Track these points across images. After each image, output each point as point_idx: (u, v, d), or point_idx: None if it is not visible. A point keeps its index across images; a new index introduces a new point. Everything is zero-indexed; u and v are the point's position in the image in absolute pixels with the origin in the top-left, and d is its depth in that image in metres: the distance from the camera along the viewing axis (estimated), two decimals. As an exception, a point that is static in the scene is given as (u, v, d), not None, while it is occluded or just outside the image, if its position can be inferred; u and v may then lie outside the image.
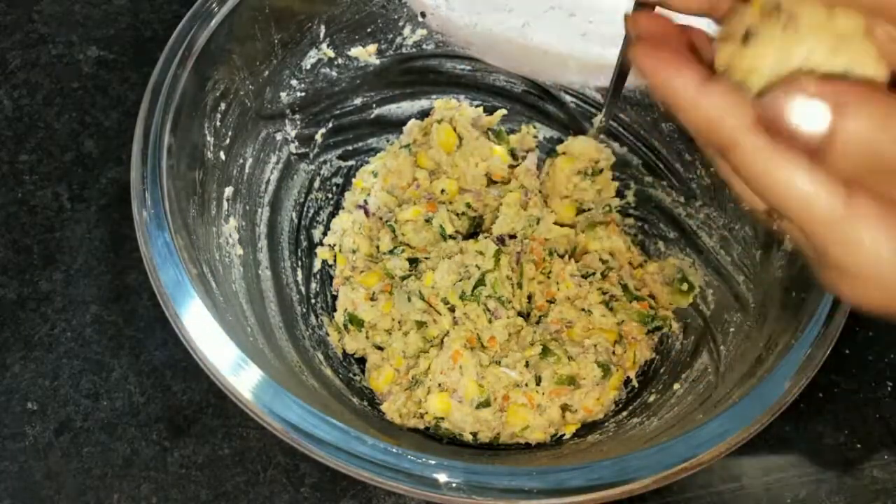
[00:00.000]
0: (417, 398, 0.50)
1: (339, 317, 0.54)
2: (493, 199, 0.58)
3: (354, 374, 0.53)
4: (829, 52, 0.23)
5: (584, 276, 0.54)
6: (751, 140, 0.24)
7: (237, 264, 0.48)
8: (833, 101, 0.22)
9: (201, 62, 0.43)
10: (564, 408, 0.50)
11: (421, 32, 0.55)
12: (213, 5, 0.44)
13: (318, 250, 0.58)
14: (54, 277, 0.57)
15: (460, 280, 0.52)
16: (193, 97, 0.43)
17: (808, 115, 0.23)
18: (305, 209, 0.57)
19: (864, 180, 0.23)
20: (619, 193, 0.58)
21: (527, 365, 0.51)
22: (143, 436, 0.52)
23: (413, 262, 0.55)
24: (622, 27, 0.31)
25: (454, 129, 0.57)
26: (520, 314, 0.53)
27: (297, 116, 0.54)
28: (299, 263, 0.56)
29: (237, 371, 0.36)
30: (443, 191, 0.57)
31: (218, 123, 0.46)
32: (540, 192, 0.58)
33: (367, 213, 0.58)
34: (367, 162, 0.60)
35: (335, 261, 0.57)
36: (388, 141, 0.61)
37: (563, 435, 0.50)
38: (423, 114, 0.60)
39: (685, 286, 0.54)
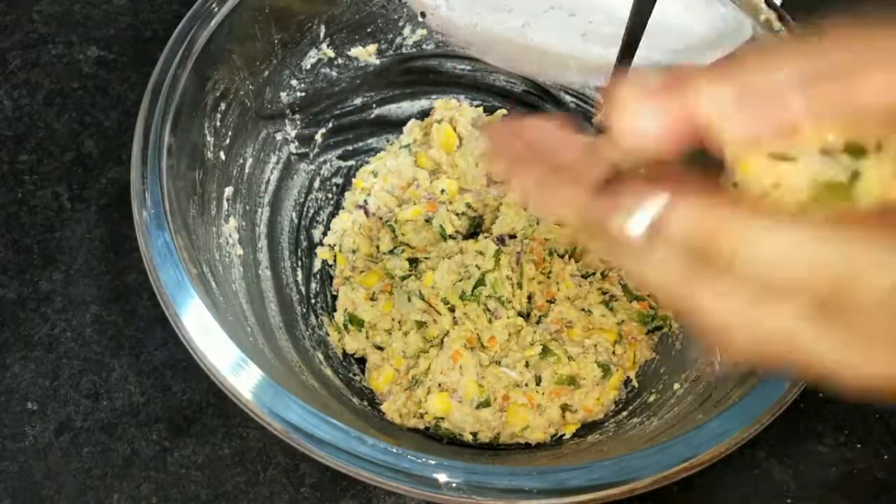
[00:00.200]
0: (417, 398, 0.50)
1: (339, 317, 0.54)
2: (493, 199, 0.58)
3: (354, 374, 0.53)
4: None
5: (584, 276, 0.54)
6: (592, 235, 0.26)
7: (237, 264, 0.48)
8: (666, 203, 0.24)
9: (201, 62, 0.43)
10: (564, 408, 0.50)
11: (421, 32, 0.55)
12: (213, 5, 0.44)
13: (318, 250, 0.58)
14: (54, 277, 0.57)
15: (460, 280, 0.52)
16: (193, 97, 0.43)
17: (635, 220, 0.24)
18: (305, 209, 0.57)
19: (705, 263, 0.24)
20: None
21: (527, 365, 0.51)
22: (143, 436, 0.52)
23: (413, 262, 0.55)
24: (622, 27, 0.31)
25: (454, 129, 0.57)
26: (520, 314, 0.53)
27: (297, 116, 0.54)
28: (299, 263, 0.56)
29: (237, 371, 0.36)
30: (443, 191, 0.57)
31: (218, 123, 0.46)
32: (540, 192, 0.58)
33: (367, 213, 0.58)
34: (367, 162, 0.60)
35: (335, 261, 0.57)
36: (388, 141, 0.61)
37: (563, 435, 0.50)
38: (423, 114, 0.60)
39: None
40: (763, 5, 0.44)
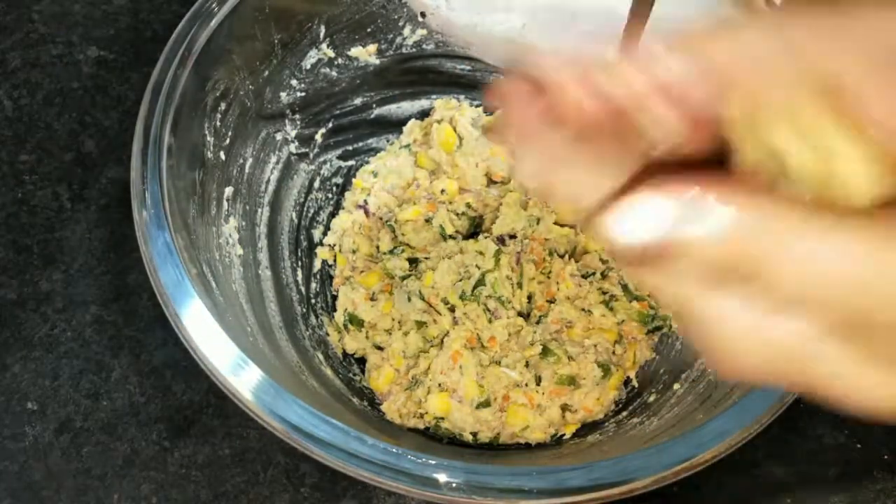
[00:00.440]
0: (417, 398, 0.50)
1: (339, 317, 0.54)
2: (493, 199, 0.58)
3: (354, 374, 0.53)
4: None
5: (584, 276, 0.54)
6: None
7: (237, 264, 0.48)
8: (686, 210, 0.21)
9: (201, 62, 0.43)
10: (564, 408, 0.50)
11: (421, 32, 0.55)
12: (213, 5, 0.44)
13: (318, 250, 0.58)
14: (54, 277, 0.57)
15: (460, 280, 0.52)
16: (193, 97, 0.43)
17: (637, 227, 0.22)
18: (305, 209, 0.57)
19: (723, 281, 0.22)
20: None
21: (527, 365, 0.51)
22: (143, 436, 0.52)
23: (413, 262, 0.55)
24: (621, 27, 0.31)
25: (454, 129, 0.57)
26: (520, 314, 0.53)
27: (297, 116, 0.54)
28: (299, 263, 0.56)
29: (237, 371, 0.36)
30: (443, 191, 0.57)
31: (218, 123, 0.46)
32: (540, 192, 0.58)
33: (367, 213, 0.58)
34: (367, 162, 0.60)
35: (335, 261, 0.57)
36: (388, 141, 0.61)
37: (563, 435, 0.50)
38: (423, 114, 0.60)
39: (685, 286, 0.53)
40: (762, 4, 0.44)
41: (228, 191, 0.48)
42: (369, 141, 0.60)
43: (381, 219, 0.58)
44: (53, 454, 0.51)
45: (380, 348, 0.54)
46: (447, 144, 0.57)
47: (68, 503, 0.50)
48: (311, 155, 0.57)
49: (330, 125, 0.57)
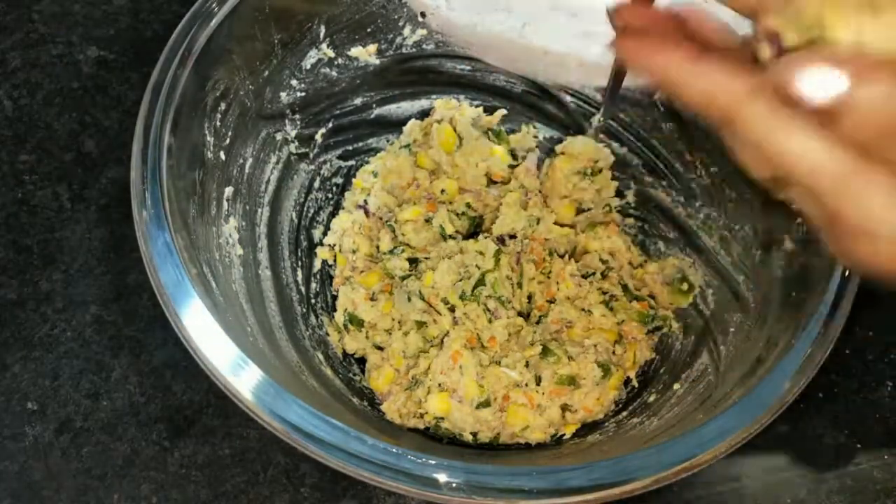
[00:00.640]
0: (417, 398, 0.50)
1: (339, 317, 0.54)
2: (493, 199, 0.58)
3: (354, 374, 0.53)
4: None
5: (584, 276, 0.54)
6: (750, 109, 0.24)
7: (237, 264, 0.48)
8: (852, 72, 0.23)
9: (201, 62, 0.43)
10: (564, 408, 0.50)
11: (421, 32, 0.55)
12: (213, 5, 0.44)
13: (318, 250, 0.58)
14: (54, 277, 0.57)
15: (460, 280, 0.52)
16: (193, 97, 0.43)
17: (821, 82, 0.23)
18: (305, 209, 0.57)
19: (876, 148, 0.23)
20: (619, 193, 0.58)
21: (527, 365, 0.51)
22: (143, 436, 0.52)
23: (413, 262, 0.55)
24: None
25: (454, 129, 0.57)
26: (520, 314, 0.53)
27: (297, 116, 0.54)
28: (299, 263, 0.56)
29: (237, 371, 0.36)
30: (443, 191, 0.57)
31: (218, 123, 0.46)
32: (540, 192, 0.58)
33: (367, 213, 0.58)
34: (367, 162, 0.60)
35: (335, 261, 0.57)
36: (388, 141, 0.61)
37: (563, 435, 0.50)
38: (423, 114, 0.60)
39: (685, 286, 0.54)
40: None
41: (228, 191, 0.48)
42: (369, 141, 0.60)
43: (381, 219, 0.58)
44: (53, 454, 0.51)
45: (380, 348, 0.54)
46: (447, 144, 0.57)
47: (68, 503, 0.50)
48: (311, 155, 0.57)
49: (330, 125, 0.57)
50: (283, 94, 0.52)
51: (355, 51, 0.54)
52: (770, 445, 0.52)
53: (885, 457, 0.53)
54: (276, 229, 0.54)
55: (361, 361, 0.54)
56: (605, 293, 0.54)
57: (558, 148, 0.58)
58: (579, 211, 0.58)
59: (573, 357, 0.51)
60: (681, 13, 0.29)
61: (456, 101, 0.59)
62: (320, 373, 0.50)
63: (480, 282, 0.52)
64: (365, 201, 0.59)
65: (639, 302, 0.54)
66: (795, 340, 0.38)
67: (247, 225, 0.50)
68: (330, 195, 0.59)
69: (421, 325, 0.52)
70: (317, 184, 0.58)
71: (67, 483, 0.51)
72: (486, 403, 0.49)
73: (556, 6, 0.53)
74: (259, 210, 0.53)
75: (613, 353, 0.52)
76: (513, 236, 0.56)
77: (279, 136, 0.54)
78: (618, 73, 0.43)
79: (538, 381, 0.50)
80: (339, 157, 0.59)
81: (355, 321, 0.54)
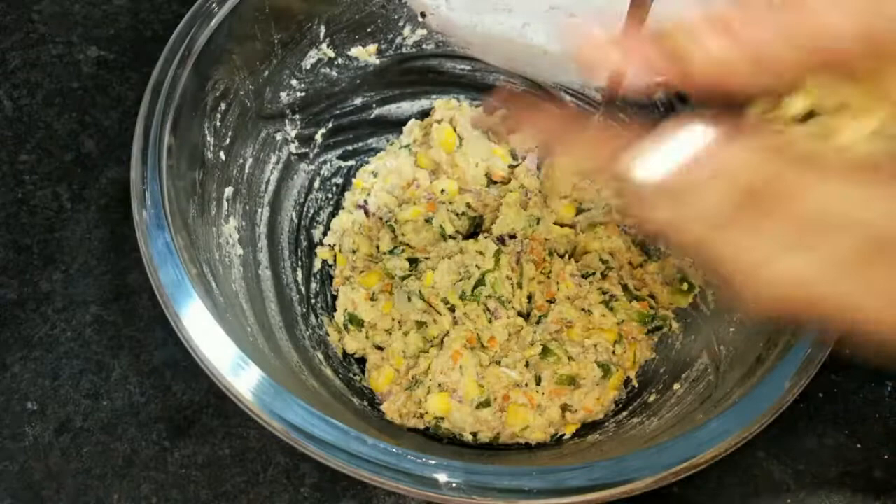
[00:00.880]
0: (417, 398, 0.50)
1: (339, 317, 0.54)
2: (493, 199, 0.58)
3: (354, 374, 0.53)
4: None
5: (584, 276, 0.54)
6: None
7: (237, 264, 0.48)
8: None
9: (201, 62, 0.43)
10: (564, 408, 0.50)
11: (421, 32, 0.55)
12: (213, 5, 0.44)
13: (318, 250, 0.58)
14: (54, 277, 0.57)
15: (460, 280, 0.52)
16: (193, 97, 0.43)
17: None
18: (305, 209, 0.57)
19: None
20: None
21: (527, 365, 0.51)
22: (143, 436, 0.52)
23: (413, 262, 0.55)
24: (621, 27, 0.31)
25: (454, 129, 0.57)
26: (520, 314, 0.53)
27: (297, 116, 0.54)
28: (299, 263, 0.56)
29: (237, 371, 0.36)
30: (443, 191, 0.57)
31: (218, 123, 0.46)
32: (540, 192, 0.58)
33: (367, 213, 0.58)
34: (367, 162, 0.60)
35: (335, 261, 0.57)
36: (388, 141, 0.61)
37: (563, 435, 0.50)
38: (423, 114, 0.60)
39: (685, 286, 0.54)
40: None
41: (228, 191, 0.48)
42: (369, 141, 0.60)
43: (381, 219, 0.58)
44: (53, 454, 0.51)
45: (380, 348, 0.54)
46: (447, 144, 0.57)
47: (68, 503, 0.50)
48: (311, 155, 0.57)
49: (330, 125, 0.57)
50: (283, 94, 0.52)
51: (355, 51, 0.54)
52: (770, 445, 0.52)
53: (885, 457, 0.53)
54: (276, 229, 0.54)
55: (361, 361, 0.54)
56: (605, 293, 0.54)
57: (558, 148, 0.58)
58: (579, 211, 0.58)
59: (573, 357, 0.51)
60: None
61: (456, 101, 0.59)
62: (320, 373, 0.50)
63: (480, 282, 0.52)
64: (365, 201, 0.59)
65: (639, 302, 0.54)
66: (795, 340, 0.38)
67: (247, 225, 0.50)
68: (330, 195, 0.59)
69: (421, 325, 0.52)
70: (317, 184, 0.58)
71: (67, 483, 0.51)
72: (486, 403, 0.49)
73: (555, 6, 0.53)
74: (259, 210, 0.53)
75: (613, 353, 0.52)
76: (513, 236, 0.56)
77: (279, 136, 0.54)
78: (616, 74, 0.43)
79: (538, 381, 0.50)
80: (339, 157, 0.59)
81: (355, 321, 0.54)
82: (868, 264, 0.22)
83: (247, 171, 0.51)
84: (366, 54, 0.55)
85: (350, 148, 0.60)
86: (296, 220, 0.57)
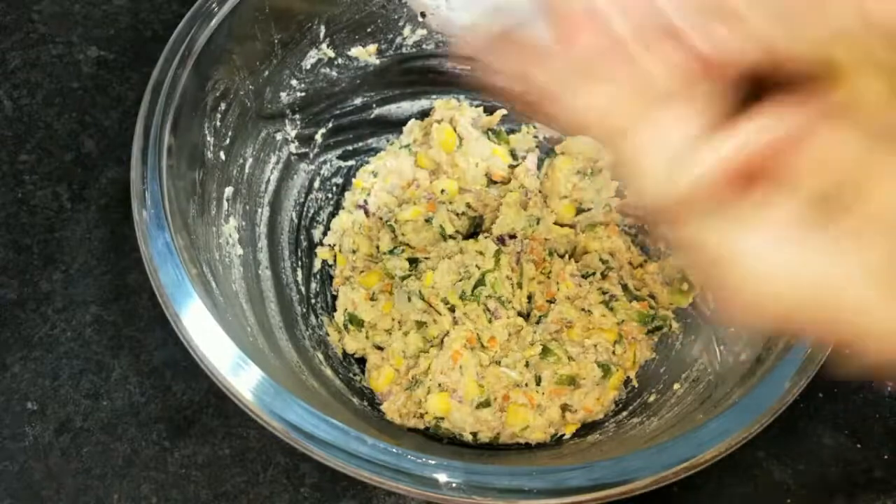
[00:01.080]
0: (417, 398, 0.50)
1: (339, 317, 0.54)
2: (493, 199, 0.58)
3: (354, 374, 0.53)
4: None
5: (584, 276, 0.54)
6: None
7: (237, 264, 0.48)
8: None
9: (201, 62, 0.43)
10: (564, 408, 0.50)
11: (421, 32, 0.55)
12: (213, 5, 0.44)
13: (318, 250, 0.58)
14: (54, 277, 0.57)
15: (460, 280, 0.52)
16: (193, 97, 0.43)
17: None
18: (305, 209, 0.57)
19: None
20: (619, 193, 0.58)
21: (527, 365, 0.51)
22: (143, 436, 0.52)
23: (413, 262, 0.55)
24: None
25: (454, 129, 0.57)
26: (520, 314, 0.53)
27: (297, 116, 0.54)
28: (299, 263, 0.56)
29: (237, 371, 0.36)
30: (443, 191, 0.57)
31: (218, 123, 0.46)
32: (540, 192, 0.58)
33: (367, 213, 0.58)
34: (367, 162, 0.60)
35: (335, 261, 0.57)
36: (388, 141, 0.61)
37: (563, 435, 0.50)
38: (423, 114, 0.60)
39: (685, 286, 0.54)
40: None
41: (228, 191, 0.48)
42: (369, 141, 0.60)
43: (381, 219, 0.58)
44: (53, 454, 0.51)
45: (380, 348, 0.54)
46: (447, 144, 0.57)
47: (68, 503, 0.50)
48: (311, 155, 0.57)
49: (330, 125, 0.57)
50: (283, 94, 0.52)
51: (355, 51, 0.54)
52: (770, 445, 0.52)
53: (886, 457, 0.53)
54: (276, 229, 0.54)
55: (361, 361, 0.54)
56: (605, 293, 0.54)
57: (558, 148, 0.58)
58: (579, 211, 0.58)
59: (573, 357, 0.51)
60: None
61: (456, 101, 0.59)
62: (320, 373, 0.50)
63: (480, 282, 0.52)
64: (365, 201, 0.59)
65: (639, 302, 0.54)
66: (795, 340, 0.38)
67: (247, 225, 0.50)
68: (330, 195, 0.59)
69: (421, 325, 0.53)
70: (317, 184, 0.58)
71: (67, 483, 0.51)
72: (486, 403, 0.49)
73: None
74: (259, 210, 0.53)
75: (613, 353, 0.52)
76: (513, 236, 0.56)
77: (279, 136, 0.54)
78: None
79: (538, 381, 0.50)
80: (339, 157, 0.59)
81: (355, 321, 0.54)
82: None
83: (247, 171, 0.51)
84: (366, 54, 0.55)
85: (350, 148, 0.60)
86: (296, 220, 0.57)
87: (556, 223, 0.57)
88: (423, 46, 0.56)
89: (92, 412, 0.53)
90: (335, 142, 0.58)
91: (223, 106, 0.47)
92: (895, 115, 0.20)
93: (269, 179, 0.54)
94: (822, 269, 0.21)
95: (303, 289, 0.55)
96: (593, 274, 0.54)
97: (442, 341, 0.52)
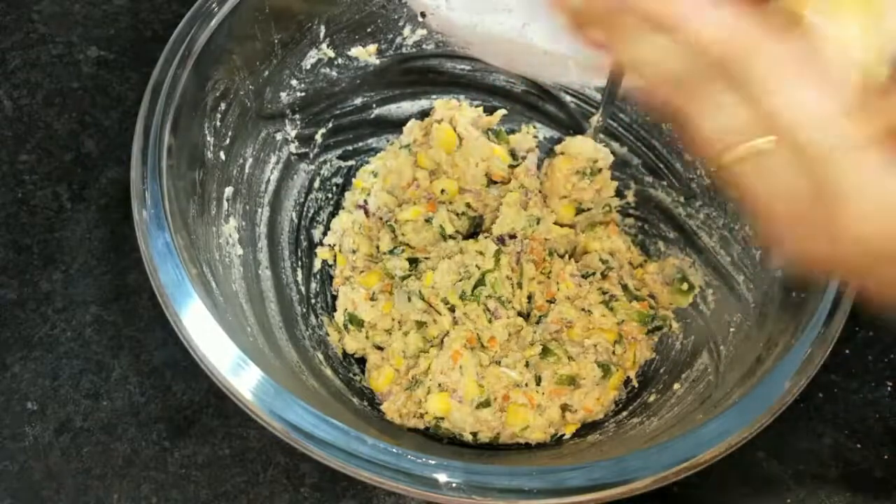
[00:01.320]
0: (417, 398, 0.50)
1: (339, 317, 0.54)
2: (493, 199, 0.58)
3: (354, 374, 0.53)
4: None
5: (584, 276, 0.54)
6: (772, 48, 0.24)
7: (237, 264, 0.48)
8: None
9: (201, 62, 0.43)
10: (564, 408, 0.50)
11: (421, 32, 0.55)
12: (213, 5, 0.44)
13: (318, 250, 0.58)
14: (54, 277, 0.57)
15: (460, 280, 0.52)
16: (193, 97, 0.43)
17: None
18: (305, 209, 0.57)
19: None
20: (619, 193, 0.58)
21: (527, 365, 0.51)
22: (143, 436, 0.52)
23: (413, 262, 0.55)
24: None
25: (454, 129, 0.57)
26: (520, 314, 0.53)
27: (297, 116, 0.54)
28: (299, 263, 0.56)
29: (237, 371, 0.36)
30: (443, 191, 0.57)
31: (218, 123, 0.46)
32: (540, 192, 0.58)
33: (367, 213, 0.58)
34: (367, 162, 0.60)
35: (335, 261, 0.57)
36: (388, 141, 0.61)
37: (563, 435, 0.50)
38: (423, 114, 0.60)
39: (685, 286, 0.54)
40: None
41: (228, 191, 0.48)
42: (369, 141, 0.60)
43: (381, 219, 0.58)
44: (53, 454, 0.51)
45: (380, 348, 0.54)
46: (447, 144, 0.57)
47: (68, 503, 0.50)
48: (311, 155, 0.57)
49: (330, 125, 0.57)
50: (283, 94, 0.52)
51: (355, 51, 0.54)
52: (770, 445, 0.52)
53: (885, 457, 0.53)
54: (276, 229, 0.54)
55: (361, 361, 0.55)
56: (605, 293, 0.54)
57: (558, 148, 0.58)
58: (579, 211, 0.58)
59: (573, 357, 0.51)
60: None
61: (456, 101, 0.59)
62: (320, 373, 0.50)
63: (480, 282, 0.52)
64: (365, 201, 0.59)
65: (639, 302, 0.54)
66: (795, 340, 0.38)
67: (247, 225, 0.50)
68: (330, 195, 0.59)
69: (421, 325, 0.53)
70: (317, 184, 0.58)
71: (67, 483, 0.51)
72: (486, 403, 0.49)
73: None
74: (259, 210, 0.53)
75: (613, 353, 0.52)
76: (513, 236, 0.56)
77: (279, 136, 0.54)
78: (616, 73, 0.43)
79: (538, 381, 0.50)
80: (339, 157, 0.59)
81: (355, 321, 0.54)
82: None
83: (247, 171, 0.51)
84: (366, 54, 0.55)
85: (350, 148, 0.60)
86: (296, 220, 0.57)
87: (556, 223, 0.57)
88: (423, 46, 0.56)
89: (92, 412, 0.53)
90: (335, 142, 0.58)
91: (223, 106, 0.47)
92: None
93: (269, 179, 0.54)
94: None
95: (303, 289, 0.55)
96: (593, 274, 0.54)
97: (442, 341, 0.52)
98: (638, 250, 0.57)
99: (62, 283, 0.57)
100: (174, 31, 0.44)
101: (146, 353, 0.55)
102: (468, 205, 0.57)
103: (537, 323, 0.53)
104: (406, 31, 0.55)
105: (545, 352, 0.51)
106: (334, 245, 0.58)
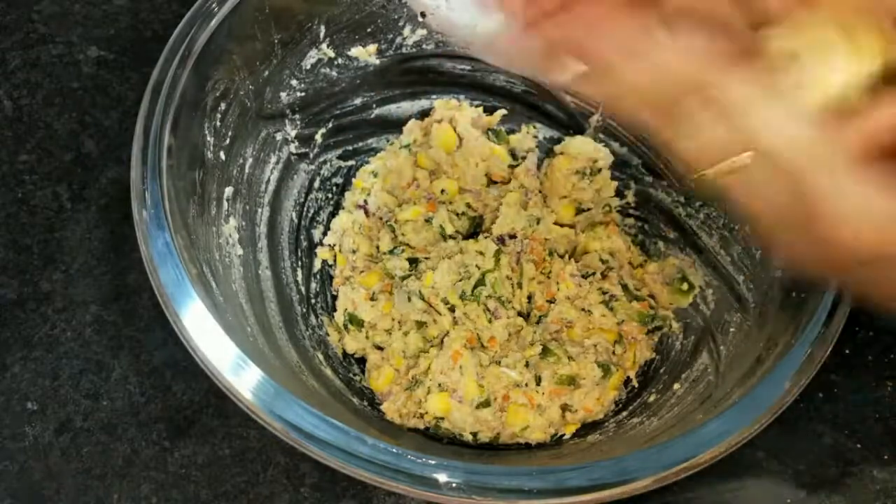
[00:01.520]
0: (417, 398, 0.50)
1: (339, 317, 0.54)
2: (493, 199, 0.58)
3: (354, 374, 0.53)
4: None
5: (584, 276, 0.54)
6: (732, 74, 0.24)
7: (237, 264, 0.48)
8: None
9: (201, 62, 0.43)
10: (564, 408, 0.50)
11: (421, 32, 0.55)
12: (213, 5, 0.44)
13: (318, 250, 0.58)
14: (54, 277, 0.57)
15: (460, 280, 0.52)
16: (193, 97, 0.43)
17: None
18: (305, 209, 0.57)
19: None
20: (619, 193, 0.58)
21: (527, 365, 0.51)
22: (143, 436, 0.52)
23: (413, 262, 0.55)
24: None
25: (454, 129, 0.57)
26: (520, 314, 0.53)
27: (297, 116, 0.54)
28: (299, 263, 0.56)
29: (237, 371, 0.36)
30: (443, 191, 0.57)
31: (218, 123, 0.46)
32: (540, 192, 0.58)
33: (367, 213, 0.58)
34: (367, 162, 0.60)
35: (335, 261, 0.57)
36: (388, 141, 0.61)
37: (563, 435, 0.50)
38: (423, 114, 0.60)
39: (685, 286, 0.54)
40: None
41: (228, 191, 0.48)
42: (369, 141, 0.60)
43: (381, 219, 0.58)
44: (53, 454, 0.51)
45: (380, 348, 0.54)
46: (447, 144, 0.57)
47: (68, 503, 0.50)
48: (311, 155, 0.57)
49: (330, 125, 0.57)
50: (283, 94, 0.52)
51: (355, 51, 0.54)
52: (770, 445, 0.52)
53: (885, 457, 0.52)
54: (276, 229, 0.54)
55: (361, 361, 0.55)
56: (605, 293, 0.54)
57: (558, 148, 0.58)
58: (579, 211, 0.58)
59: (573, 357, 0.51)
60: None
61: (456, 101, 0.59)
62: (320, 373, 0.50)
63: (480, 282, 0.52)
64: (365, 201, 0.59)
65: (639, 302, 0.54)
66: (795, 340, 0.38)
67: (247, 225, 0.50)
68: (330, 195, 0.59)
69: (421, 325, 0.53)
70: (317, 184, 0.58)
71: (67, 483, 0.51)
72: (486, 403, 0.49)
73: (556, 6, 0.53)
74: (259, 210, 0.53)
75: (613, 353, 0.52)
76: (513, 236, 0.56)
77: (279, 136, 0.54)
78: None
79: (538, 381, 0.50)
80: (339, 157, 0.59)
81: (355, 321, 0.54)
82: None
83: (247, 171, 0.51)
84: (366, 54, 0.55)
85: (350, 148, 0.60)
86: (296, 220, 0.57)
87: (556, 223, 0.57)
88: (423, 46, 0.56)
89: (92, 412, 0.53)
90: (335, 142, 0.58)
91: (223, 106, 0.47)
92: None
93: (269, 179, 0.54)
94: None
95: (303, 289, 0.55)
96: (593, 274, 0.54)
97: (442, 341, 0.52)
98: (638, 250, 0.57)
99: (62, 283, 0.57)
100: (174, 31, 0.44)
101: (146, 353, 0.55)
102: (468, 205, 0.57)
103: (537, 323, 0.53)
104: (406, 31, 0.55)
105: (545, 352, 0.51)
106: (334, 245, 0.58)
